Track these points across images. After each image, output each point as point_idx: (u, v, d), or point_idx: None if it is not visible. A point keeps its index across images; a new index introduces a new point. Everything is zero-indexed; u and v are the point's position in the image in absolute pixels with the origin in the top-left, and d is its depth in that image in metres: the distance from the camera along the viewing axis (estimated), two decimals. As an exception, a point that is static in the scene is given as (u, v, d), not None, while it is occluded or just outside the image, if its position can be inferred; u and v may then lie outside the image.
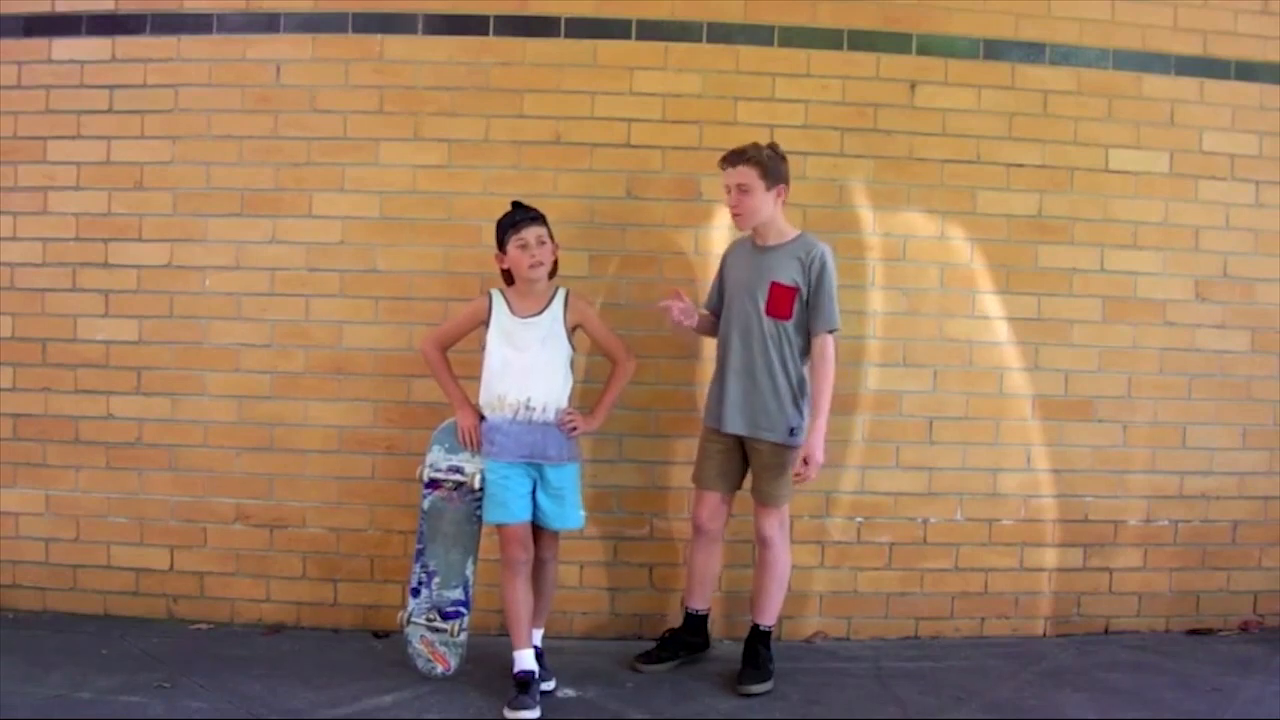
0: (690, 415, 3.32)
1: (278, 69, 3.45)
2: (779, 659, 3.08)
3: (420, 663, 3.02)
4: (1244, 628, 3.63)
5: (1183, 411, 3.60)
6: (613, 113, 3.44)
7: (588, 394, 3.18)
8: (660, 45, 3.44)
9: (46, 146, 3.48)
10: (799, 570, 3.36)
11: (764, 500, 3.05)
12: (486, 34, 3.44)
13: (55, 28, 3.46)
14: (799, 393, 3.01)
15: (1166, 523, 3.61)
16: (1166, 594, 3.62)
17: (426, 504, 3.05)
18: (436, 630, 2.99)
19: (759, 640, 3.07)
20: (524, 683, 2.80)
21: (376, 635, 3.40)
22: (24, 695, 2.76)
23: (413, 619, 3.02)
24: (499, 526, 2.90)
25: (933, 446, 3.51)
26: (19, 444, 3.49)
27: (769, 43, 3.46)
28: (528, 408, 2.89)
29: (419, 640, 3.02)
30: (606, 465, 3.42)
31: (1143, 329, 3.58)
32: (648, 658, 3.15)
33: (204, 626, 3.43)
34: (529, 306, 2.95)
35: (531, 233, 2.89)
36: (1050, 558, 3.57)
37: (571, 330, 2.96)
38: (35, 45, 3.47)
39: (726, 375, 3.04)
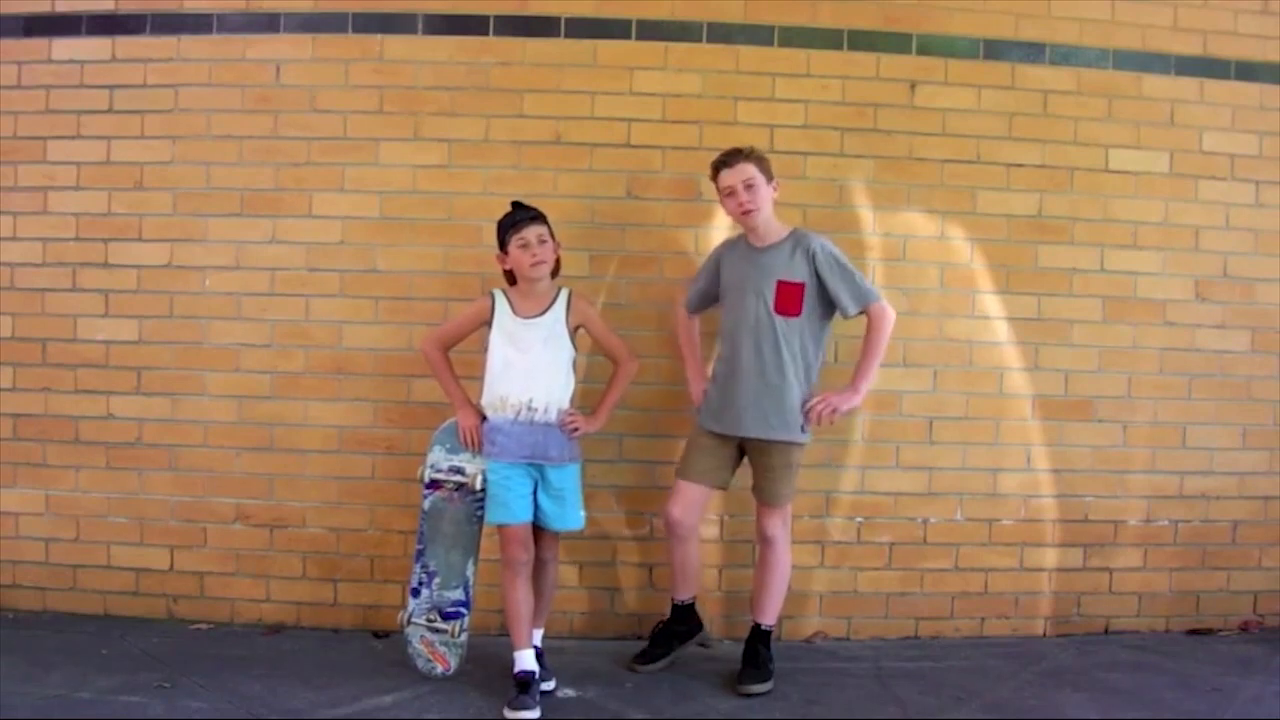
0: (691, 415, 3.32)
1: (278, 69, 3.45)
2: (779, 659, 3.08)
3: (420, 663, 3.02)
4: (1244, 628, 3.63)
5: (1183, 411, 3.60)
6: (613, 113, 3.44)
7: (586, 394, 3.18)
8: (660, 45, 3.45)
9: (46, 146, 3.48)
10: (799, 570, 3.36)
11: (769, 500, 3.04)
12: (486, 34, 3.44)
13: (55, 28, 3.47)
14: (807, 388, 3.00)
15: (1166, 523, 3.61)
16: (1166, 594, 3.62)
17: (427, 504, 3.05)
18: (437, 630, 2.99)
19: (759, 640, 3.07)
20: (524, 683, 2.80)
21: (376, 635, 3.40)
22: (24, 695, 2.76)
23: (413, 619, 3.02)
24: (500, 527, 2.90)
25: (933, 446, 3.51)
26: (19, 444, 3.50)
27: (769, 43, 3.46)
28: (529, 408, 2.89)
29: (419, 640, 3.02)
30: (606, 465, 3.41)
31: (1143, 329, 3.58)
32: (643, 658, 3.14)
33: (204, 626, 3.43)
34: (531, 307, 2.95)
35: (532, 232, 2.89)
36: (1050, 558, 3.57)
37: (574, 331, 2.96)
38: (35, 45, 3.47)
39: (737, 377, 3.00)
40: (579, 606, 3.47)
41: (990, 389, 3.53)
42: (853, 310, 2.99)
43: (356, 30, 3.44)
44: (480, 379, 2.98)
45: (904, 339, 3.48)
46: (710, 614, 3.37)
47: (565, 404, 2.94)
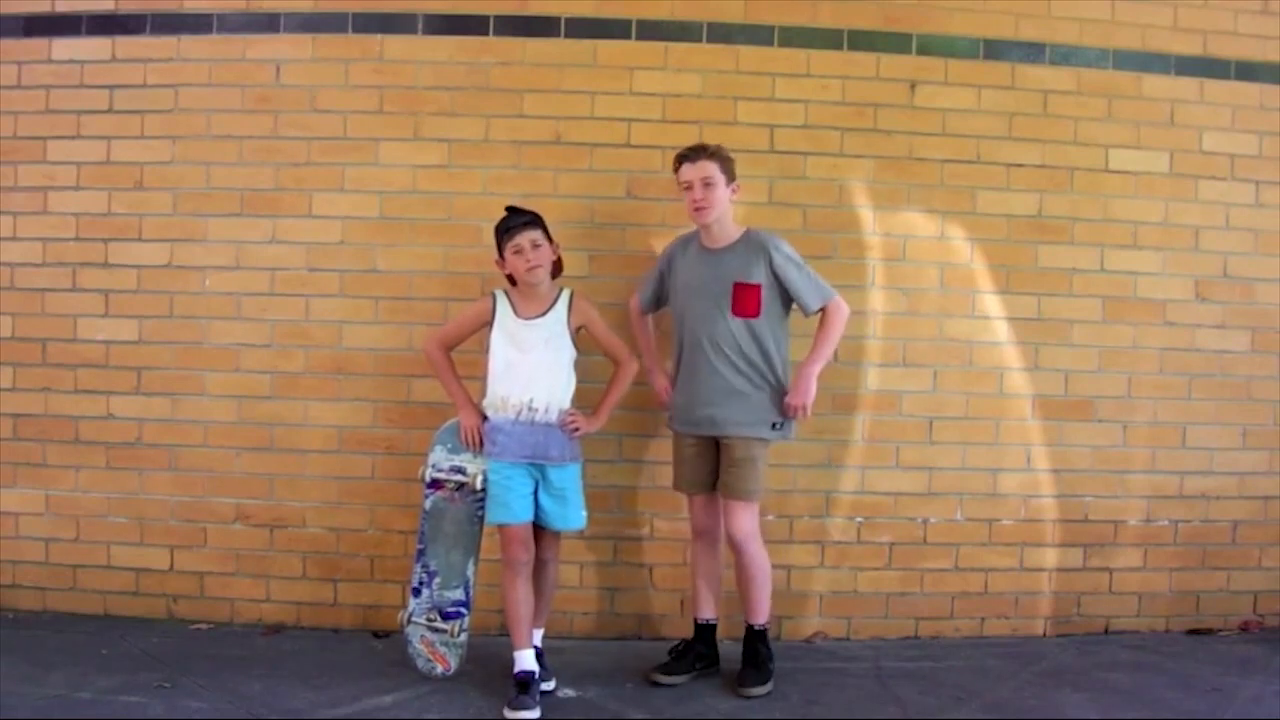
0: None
1: (278, 69, 3.45)
2: (779, 659, 3.08)
3: (420, 663, 3.02)
4: (1244, 628, 3.63)
5: (1183, 411, 3.60)
6: (613, 113, 3.44)
7: (585, 394, 3.18)
8: (660, 45, 3.45)
9: (46, 146, 3.48)
10: (799, 570, 3.37)
11: (735, 494, 3.00)
12: (486, 34, 3.44)
13: (55, 28, 3.47)
14: (776, 386, 3.00)
15: (1166, 523, 3.61)
16: (1166, 594, 3.62)
17: (428, 504, 3.05)
18: (437, 630, 2.99)
19: (756, 639, 3.06)
20: (524, 683, 2.80)
21: (376, 635, 3.40)
22: (24, 695, 2.76)
23: (413, 619, 3.02)
24: (501, 527, 2.90)
25: (933, 446, 3.51)
26: (19, 444, 3.50)
27: (769, 43, 3.46)
28: (530, 409, 2.89)
29: (419, 640, 3.02)
30: (606, 465, 3.41)
31: (1143, 329, 3.58)
32: (666, 669, 3.08)
33: (204, 626, 3.43)
34: (533, 308, 2.95)
35: (525, 237, 2.89)
36: (1050, 558, 3.57)
37: (575, 331, 2.97)
38: (35, 45, 3.47)
39: (697, 380, 3.01)
40: (579, 607, 3.47)
41: (990, 389, 3.53)
42: (814, 308, 3.01)
43: (356, 30, 3.44)
44: (481, 379, 2.98)
45: (904, 339, 3.49)
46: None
47: (566, 404, 2.94)
